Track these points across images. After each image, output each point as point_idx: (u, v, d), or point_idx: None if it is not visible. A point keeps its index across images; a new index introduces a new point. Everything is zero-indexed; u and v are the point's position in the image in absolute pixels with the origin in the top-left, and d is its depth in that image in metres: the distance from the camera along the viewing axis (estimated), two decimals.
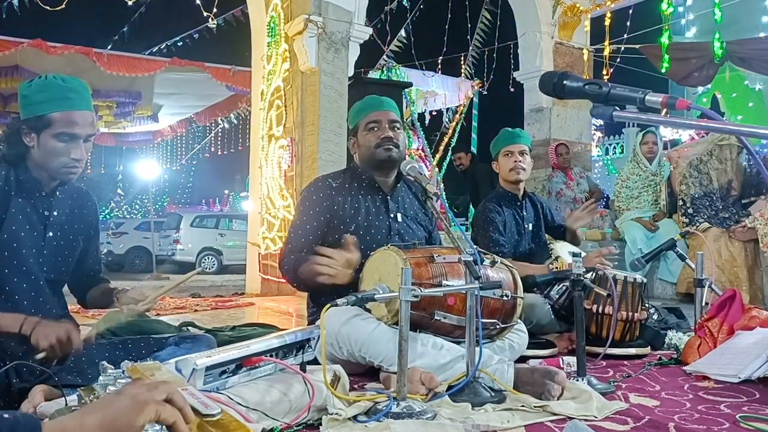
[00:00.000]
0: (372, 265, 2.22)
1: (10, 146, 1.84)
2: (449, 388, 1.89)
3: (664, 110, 1.39)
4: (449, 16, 9.38)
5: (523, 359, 2.45)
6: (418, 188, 2.33)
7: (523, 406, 1.81)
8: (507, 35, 8.87)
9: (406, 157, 2.53)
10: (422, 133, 9.37)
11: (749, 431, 1.67)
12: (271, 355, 1.67)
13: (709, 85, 12.02)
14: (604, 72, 7.45)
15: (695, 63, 7.06)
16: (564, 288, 2.87)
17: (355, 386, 2.09)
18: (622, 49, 7.74)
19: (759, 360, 2.14)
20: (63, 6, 7.17)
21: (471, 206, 7.43)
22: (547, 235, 3.52)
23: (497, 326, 2.24)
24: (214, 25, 8.32)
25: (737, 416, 1.76)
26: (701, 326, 2.60)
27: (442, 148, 10.44)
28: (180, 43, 9.68)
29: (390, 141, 2.43)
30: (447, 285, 2.05)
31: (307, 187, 2.54)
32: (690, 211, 4.94)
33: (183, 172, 24.79)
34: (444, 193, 7.66)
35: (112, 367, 1.48)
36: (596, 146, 26.79)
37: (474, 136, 10.37)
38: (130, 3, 8.01)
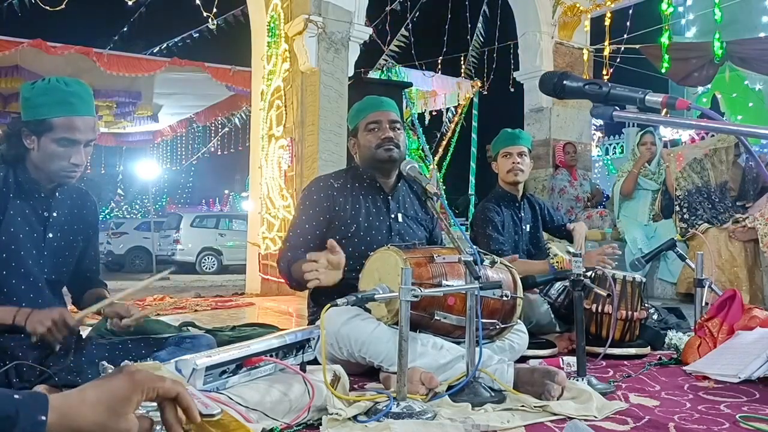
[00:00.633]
0: (372, 265, 2.22)
1: (10, 147, 1.84)
2: (449, 388, 1.89)
3: (664, 110, 1.40)
4: (449, 16, 9.38)
5: (523, 359, 2.45)
6: (419, 188, 2.33)
7: (523, 406, 1.81)
8: (507, 35, 8.87)
9: (406, 157, 2.53)
10: (422, 133, 9.37)
11: (749, 431, 1.67)
12: (271, 355, 1.67)
13: (709, 85, 12.03)
14: (604, 72, 7.45)
15: (695, 63, 7.06)
16: (563, 288, 2.88)
17: (355, 386, 2.09)
18: (622, 49, 7.73)
19: (759, 360, 2.14)
20: (63, 6, 7.17)
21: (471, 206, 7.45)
22: (546, 235, 3.53)
23: (497, 326, 2.24)
24: (214, 26, 8.32)
25: (737, 416, 1.76)
26: (701, 326, 2.60)
27: (442, 148, 10.45)
28: (180, 43, 9.68)
29: (391, 141, 2.43)
30: (447, 285, 2.04)
31: (308, 186, 2.53)
32: (686, 214, 4.95)
33: (183, 172, 24.76)
34: (444, 193, 7.67)
35: (112, 367, 1.48)
36: (596, 146, 26.81)
37: (474, 136, 10.37)
38: (130, 3, 8.01)
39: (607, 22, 7.28)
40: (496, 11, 8.90)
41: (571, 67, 7.27)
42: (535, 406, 1.80)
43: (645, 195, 5.56)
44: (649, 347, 2.79)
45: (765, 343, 2.24)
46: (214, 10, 7.82)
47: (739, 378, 2.12)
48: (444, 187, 9.46)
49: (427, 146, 9.65)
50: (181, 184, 28.77)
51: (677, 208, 5.03)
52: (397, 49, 9.21)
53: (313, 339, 1.81)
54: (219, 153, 13.71)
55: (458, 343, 2.09)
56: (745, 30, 13.02)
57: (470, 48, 9.71)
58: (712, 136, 5.49)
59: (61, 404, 0.83)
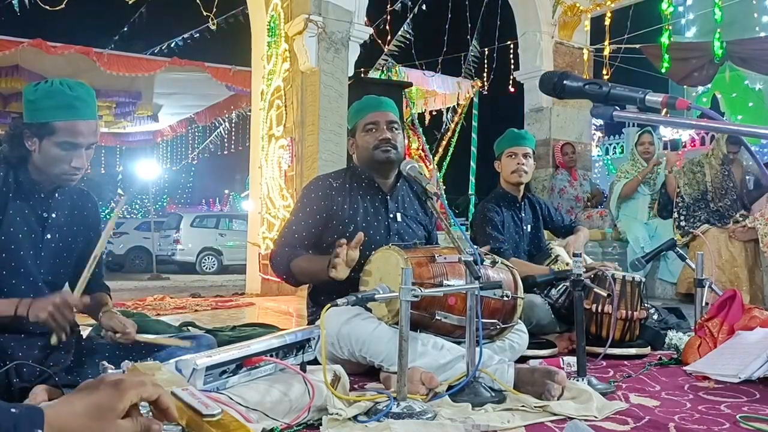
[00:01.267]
0: (373, 265, 2.22)
1: (13, 147, 1.84)
2: (449, 388, 1.89)
3: (664, 110, 1.39)
4: (449, 16, 9.37)
5: (523, 359, 2.45)
6: (419, 188, 2.32)
7: (523, 406, 1.81)
8: (507, 35, 8.86)
9: (407, 157, 2.53)
10: (422, 133, 9.37)
11: (749, 431, 1.67)
12: (272, 355, 1.67)
13: (709, 85, 12.04)
14: (604, 72, 7.44)
15: (695, 63, 7.06)
16: (564, 288, 2.88)
17: (356, 386, 2.09)
18: (622, 48, 7.73)
19: (759, 360, 2.14)
20: (63, 6, 7.17)
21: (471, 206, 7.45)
22: (548, 234, 3.53)
23: (497, 326, 2.24)
24: (214, 26, 8.32)
25: (737, 416, 1.76)
26: (701, 326, 2.60)
27: (442, 148, 10.44)
28: (180, 43, 9.66)
29: (388, 142, 2.43)
30: (448, 285, 2.05)
31: (308, 185, 2.53)
32: (683, 221, 4.95)
33: (183, 172, 24.79)
34: (444, 193, 7.67)
35: (113, 366, 1.48)
36: (596, 146, 26.80)
37: (474, 136, 10.36)
38: (130, 3, 8.01)
39: (607, 22, 7.28)
40: (496, 11, 8.89)
41: (571, 66, 7.27)
42: (535, 406, 1.80)
43: (644, 194, 5.58)
44: (649, 347, 2.80)
45: (765, 343, 2.24)
46: (214, 9, 7.83)
47: (740, 378, 2.12)
48: (444, 187, 9.45)
49: (428, 146, 9.64)
50: (182, 184, 28.81)
51: (675, 214, 5.04)
52: (397, 49, 9.20)
53: (314, 339, 1.81)
54: (219, 153, 13.70)
55: (458, 343, 2.09)
56: (745, 30, 13.03)
57: (470, 48, 9.71)
58: (712, 136, 5.49)
59: (55, 417, 0.86)
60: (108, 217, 2.16)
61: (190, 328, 3.13)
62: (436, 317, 2.07)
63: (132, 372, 1.33)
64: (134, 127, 11.68)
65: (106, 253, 15.45)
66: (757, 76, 14.61)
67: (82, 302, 1.78)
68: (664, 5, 6.85)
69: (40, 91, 1.81)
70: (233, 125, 11.83)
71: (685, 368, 2.39)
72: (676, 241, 3.30)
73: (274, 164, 5.92)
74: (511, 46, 8.50)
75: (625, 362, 2.60)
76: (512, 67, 8.07)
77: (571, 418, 1.71)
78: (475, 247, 2.02)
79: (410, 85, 8.07)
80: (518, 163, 3.24)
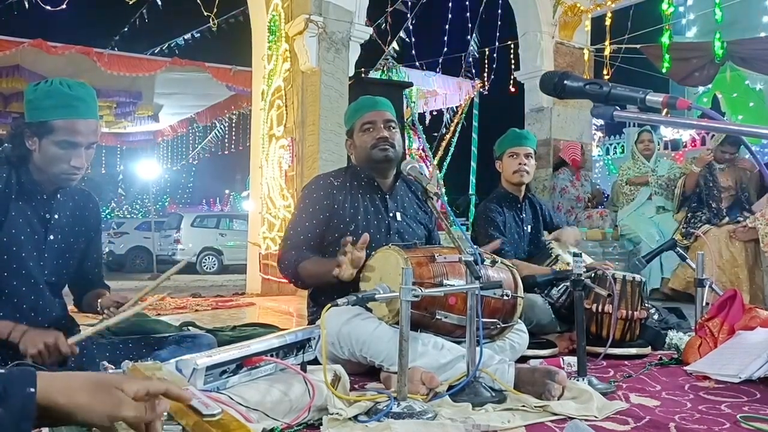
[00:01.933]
0: (373, 265, 2.22)
1: (14, 147, 1.84)
2: (450, 388, 1.89)
3: (665, 110, 1.39)
4: (450, 15, 9.38)
5: (523, 359, 2.45)
6: (419, 188, 2.33)
7: (523, 406, 1.81)
8: (507, 35, 8.87)
9: (407, 157, 2.53)
10: (422, 133, 9.37)
11: (750, 431, 1.67)
12: (272, 355, 1.67)
13: (709, 85, 12.01)
14: (605, 72, 7.44)
15: (696, 63, 7.06)
16: (564, 288, 2.88)
17: (356, 386, 2.09)
18: (623, 49, 7.72)
19: (760, 360, 2.14)
20: (64, 6, 7.18)
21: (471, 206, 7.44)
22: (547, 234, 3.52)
23: (498, 326, 2.24)
24: (215, 26, 8.32)
25: (738, 416, 1.76)
26: (702, 326, 2.60)
27: (442, 148, 10.44)
28: (181, 43, 9.67)
29: (386, 141, 2.43)
30: (448, 285, 2.04)
31: (308, 185, 2.54)
32: (683, 226, 4.98)
33: (184, 172, 24.76)
34: (444, 193, 7.67)
35: (113, 366, 1.48)
36: (597, 146, 26.78)
37: (474, 136, 10.36)
38: (130, 3, 8.01)
39: (608, 22, 7.27)
40: (497, 11, 8.89)
41: (572, 66, 7.27)
42: (535, 406, 1.80)
43: (645, 192, 5.59)
44: (649, 347, 2.80)
45: (766, 343, 2.24)
46: (215, 10, 7.83)
47: (740, 378, 2.12)
48: (444, 187, 9.45)
49: (428, 146, 9.64)
50: (182, 184, 28.79)
51: (687, 214, 5.06)
52: (397, 49, 9.20)
53: (314, 339, 1.81)
54: (219, 153, 13.70)
55: (459, 343, 2.09)
56: (746, 30, 13.03)
57: (470, 48, 9.71)
58: (713, 136, 5.49)
59: (50, 378, 0.84)
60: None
61: (190, 327, 3.13)
62: (437, 317, 2.07)
63: (132, 372, 1.33)
64: (135, 127, 11.68)
65: (107, 252, 15.50)
66: (757, 77, 14.59)
67: (71, 351, 1.75)
68: (664, 5, 6.85)
69: (39, 90, 1.81)
70: (234, 125, 11.83)
71: (685, 368, 2.39)
72: (677, 241, 3.30)
73: (274, 164, 5.92)
74: (512, 46, 8.50)
75: (626, 362, 2.60)
76: (513, 67, 8.06)
77: (572, 418, 1.71)
78: (476, 246, 2.01)
79: (411, 85, 8.07)
80: (520, 163, 3.24)
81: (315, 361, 1.81)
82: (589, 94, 1.26)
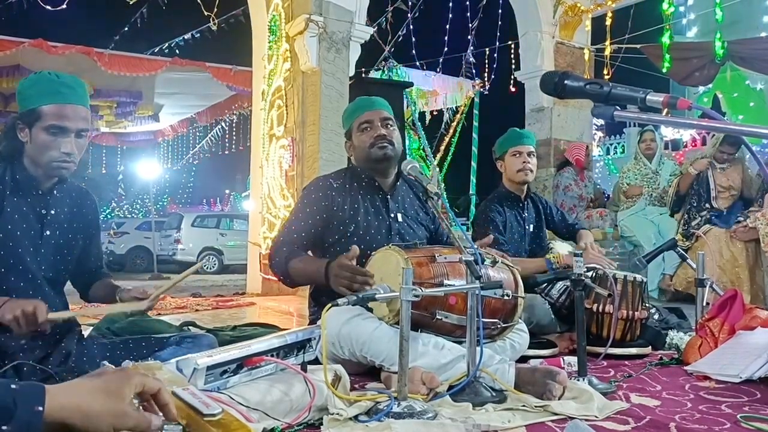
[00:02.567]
0: (373, 265, 2.22)
1: (7, 143, 1.84)
2: (450, 387, 1.89)
3: (666, 110, 1.39)
4: (450, 15, 9.38)
5: (524, 359, 2.44)
6: (419, 188, 2.32)
7: (524, 405, 1.81)
8: (508, 35, 8.86)
9: (407, 157, 2.53)
10: (423, 132, 9.37)
11: (750, 431, 1.67)
12: (272, 355, 1.67)
13: (710, 85, 12.00)
14: (605, 72, 7.43)
15: (696, 63, 7.05)
16: (564, 287, 2.87)
17: (356, 386, 2.09)
18: (623, 48, 7.72)
19: (760, 360, 2.14)
20: (64, 6, 7.18)
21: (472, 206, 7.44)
22: (550, 234, 3.52)
23: (498, 326, 2.24)
24: (215, 26, 8.32)
25: (738, 416, 1.76)
26: (702, 326, 2.60)
27: (442, 148, 10.45)
28: (181, 43, 9.67)
29: (384, 139, 2.43)
30: (448, 285, 2.04)
31: (308, 186, 2.54)
32: (683, 226, 4.98)
33: (184, 172, 24.78)
34: (445, 192, 7.67)
35: (113, 367, 1.48)
36: (597, 146, 26.81)
37: (475, 135, 10.37)
38: (131, 2, 8.01)
39: (608, 22, 7.26)
40: (497, 11, 8.89)
41: (572, 66, 7.26)
42: (536, 406, 1.80)
43: (646, 194, 5.59)
44: (650, 347, 2.79)
45: (766, 343, 2.24)
46: (215, 9, 7.83)
47: (741, 378, 2.12)
48: (445, 187, 9.46)
49: (428, 146, 9.64)
50: (182, 183, 28.80)
51: (686, 216, 5.05)
52: (398, 49, 9.21)
53: (314, 339, 1.81)
54: (220, 153, 13.71)
55: (459, 343, 2.09)
56: (747, 30, 13.02)
57: (471, 48, 9.71)
58: (713, 136, 5.49)
59: (57, 394, 0.87)
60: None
61: (191, 327, 3.13)
62: (437, 317, 2.07)
63: (150, 366, 1.35)
64: (135, 126, 11.69)
65: (107, 252, 15.51)
66: (758, 76, 14.58)
67: (48, 323, 1.72)
68: (665, 5, 6.85)
69: (28, 81, 1.84)
70: (234, 125, 11.84)
71: (686, 368, 2.39)
72: (677, 241, 3.30)
73: (274, 164, 5.92)
74: (512, 45, 8.50)
75: (626, 362, 2.60)
76: (513, 67, 8.06)
77: (572, 418, 1.71)
78: (476, 246, 2.01)
79: (411, 85, 8.08)
80: (524, 162, 3.23)
81: (315, 361, 1.81)
82: (589, 93, 1.26)
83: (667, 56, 6.88)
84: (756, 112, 16.38)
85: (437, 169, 9.31)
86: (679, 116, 2.17)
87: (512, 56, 8.41)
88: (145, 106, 10.40)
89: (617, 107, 1.23)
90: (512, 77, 8.02)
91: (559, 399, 1.86)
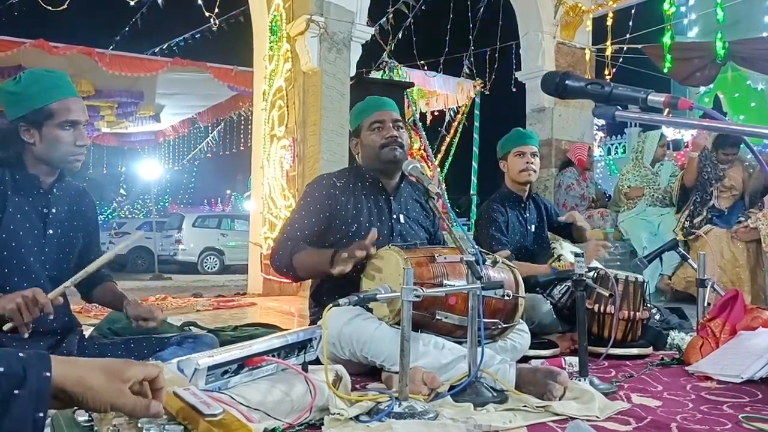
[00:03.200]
0: (374, 265, 2.22)
1: (7, 149, 1.84)
2: (451, 388, 1.89)
3: (667, 110, 1.39)
4: (451, 15, 9.36)
5: (525, 359, 2.44)
6: (420, 188, 2.32)
7: (525, 406, 1.81)
8: (509, 35, 8.84)
9: (408, 157, 2.53)
10: (424, 133, 9.36)
11: (752, 431, 1.67)
12: (273, 355, 1.67)
13: (711, 85, 11.99)
14: (606, 72, 7.43)
15: (697, 63, 7.05)
16: (566, 288, 2.87)
17: (357, 386, 2.09)
18: (624, 49, 7.72)
19: (761, 360, 2.13)
20: (65, 6, 7.17)
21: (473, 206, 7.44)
22: (551, 234, 3.52)
23: (499, 326, 2.24)
24: (216, 26, 8.32)
25: (740, 416, 1.76)
26: (703, 326, 2.60)
27: (443, 148, 10.44)
28: (182, 44, 9.66)
29: (395, 141, 2.43)
30: (448, 285, 2.04)
31: (311, 184, 2.53)
32: (686, 222, 4.96)
33: (185, 173, 24.79)
34: (446, 193, 7.67)
35: None
36: (598, 146, 26.81)
37: (476, 136, 10.36)
38: (132, 3, 8.00)
39: (609, 22, 7.26)
40: (498, 11, 8.88)
41: (573, 67, 7.26)
42: (537, 407, 1.80)
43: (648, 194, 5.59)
44: (651, 347, 2.79)
45: (767, 343, 2.24)
46: (216, 10, 7.82)
47: (742, 378, 2.12)
48: (446, 187, 9.44)
49: (429, 146, 9.63)
50: (184, 184, 28.81)
51: (687, 211, 5.04)
52: (398, 49, 9.19)
53: (315, 339, 1.81)
54: (221, 153, 13.72)
55: (460, 343, 2.09)
56: (748, 30, 12.98)
57: (471, 48, 9.70)
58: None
59: (61, 363, 0.92)
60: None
61: (192, 327, 3.13)
62: (437, 317, 2.07)
63: None
64: (136, 127, 11.69)
65: None
66: (759, 77, 14.57)
67: (51, 304, 1.71)
68: (665, 5, 6.84)
69: (23, 80, 1.82)
70: (235, 125, 11.84)
71: (687, 368, 2.39)
72: (678, 241, 3.30)
73: (275, 164, 5.92)
74: (513, 46, 8.49)
75: (627, 362, 2.60)
76: (514, 67, 8.05)
77: (573, 418, 1.71)
78: (477, 246, 2.01)
79: (412, 85, 8.06)
80: (527, 162, 3.22)
81: (316, 361, 1.81)
82: (590, 94, 1.26)
83: (668, 56, 6.88)
84: (757, 113, 16.36)
85: (438, 169, 9.29)
86: (681, 116, 2.17)
87: (513, 56, 8.41)
88: (146, 107, 10.41)
89: (618, 107, 1.23)
90: (513, 77, 8.02)
91: (560, 399, 1.86)
